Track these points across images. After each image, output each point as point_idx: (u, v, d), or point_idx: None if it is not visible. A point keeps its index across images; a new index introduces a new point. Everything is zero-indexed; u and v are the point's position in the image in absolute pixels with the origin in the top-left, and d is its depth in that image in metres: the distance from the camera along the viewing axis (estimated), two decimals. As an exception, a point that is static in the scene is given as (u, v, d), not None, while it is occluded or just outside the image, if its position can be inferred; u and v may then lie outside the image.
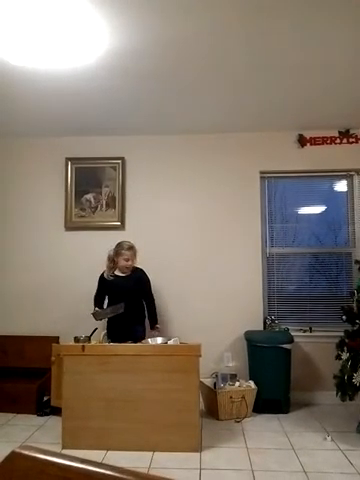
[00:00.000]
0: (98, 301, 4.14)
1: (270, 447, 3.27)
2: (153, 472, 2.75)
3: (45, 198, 4.79)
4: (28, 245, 4.76)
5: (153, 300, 4.15)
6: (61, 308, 4.62)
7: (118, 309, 3.82)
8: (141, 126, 4.51)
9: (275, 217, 4.69)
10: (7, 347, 4.53)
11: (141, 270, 4.14)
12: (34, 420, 3.86)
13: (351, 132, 4.54)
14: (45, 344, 4.19)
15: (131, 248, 4.03)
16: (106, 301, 4.17)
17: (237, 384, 4.00)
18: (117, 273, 4.09)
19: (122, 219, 4.67)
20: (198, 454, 3.11)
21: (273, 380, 4.01)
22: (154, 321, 4.09)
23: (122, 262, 4.02)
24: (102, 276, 4.15)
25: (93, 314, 3.87)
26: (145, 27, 2.77)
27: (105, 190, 4.70)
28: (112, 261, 4.08)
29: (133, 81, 3.52)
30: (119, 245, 4.06)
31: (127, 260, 4.00)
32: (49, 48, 2.97)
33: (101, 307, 4.10)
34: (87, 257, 4.67)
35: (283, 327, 4.41)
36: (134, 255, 4.04)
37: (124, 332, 3.81)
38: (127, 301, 3.90)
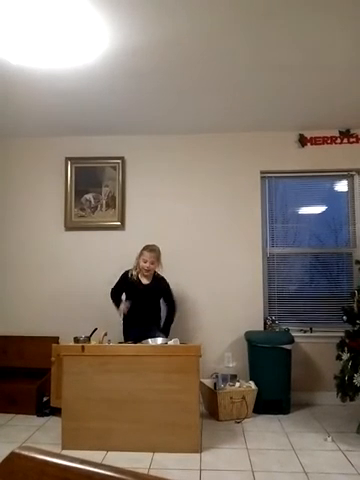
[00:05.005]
0: (116, 295, 4.05)
1: (270, 448, 3.26)
2: (153, 473, 2.74)
3: (45, 198, 4.79)
4: (28, 245, 4.75)
5: (173, 304, 4.09)
6: (61, 308, 4.62)
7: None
8: (141, 126, 4.51)
9: (276, 217, 4.68)
10: (7, 347, 4.52)
11: (163, 280, 4.05)
12: (34, 420, 3.85)
13: (351, 132, 4.53)
14: (45, 344, 4.18)
15: (153, 250, 3.91)
16: (123, 297, 4.09)
17: (237, 384, 3.99)
18: (141, 279, 3.98)
19: (122, 219, 4.66)
20: (198, 455, 3.10)
21: (273, 380, 4.00)
22: (165, 331, 3.95)
23: (141, 263, 3.91)
24: (126, 273, 4.04)
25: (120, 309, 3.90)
26: (145, 27, 2.76)
27: (105, 190, 4.70)
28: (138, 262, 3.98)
29: (133, 81, 3.52)
30: (144, 247, 3.96)
31: (145, 261, 3.89)
32: (49, 48, 2.96)
33: (118, 302, 4.02)
34: (87, 257, 4.67)
35: (283, 327, 4.40)
36: (156, 259, 3.92)
37: (142, 336, 3.69)
38: (142, 308, 3.91)
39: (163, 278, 4.06)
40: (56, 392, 3.69)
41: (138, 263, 3.96)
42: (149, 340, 3.63)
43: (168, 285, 4.07)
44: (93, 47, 2.99)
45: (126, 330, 3.99)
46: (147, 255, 3.90)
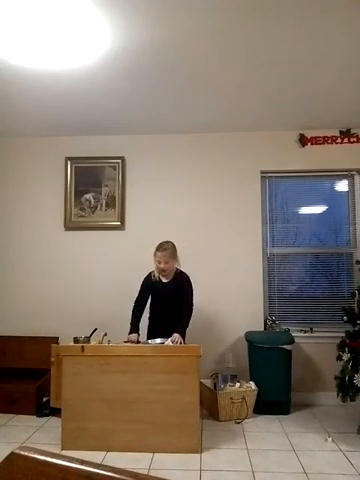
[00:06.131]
0: (139, 306, 3.85)
1: (271, 448, 3.25)
2: (153, 473, 2.73)
3: (45, 198, 4.78)
4: (27, 245, 4.74)
5: (189, 307, 3.75)
6: (60, 308, 4.61)
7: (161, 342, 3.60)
8: (141, 125, 4.51)
9: (276, 217, 4.68)
10: (6, 348, 4.52)
11: (184, 275, 3.82)
12: (33, 421, 3.84)
13: (352, 132, 4.53)
14: (44, 345, 4.18)
15: (164, 249, 3.69)
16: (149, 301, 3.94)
17: (237, 385, 3.99)
18: (161, 278, 3.82)
19: (122, 219, 4.66)
20: (198, 455, 3.10)
21: (274, 381, 3.99)
22: (180, 328, 3.63)
23: (156, 265, 3.73)
24: (148, 275, 3.88)
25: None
26: (145, 27, 2.75)
27: (105, 190, 4.69)
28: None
29: (133, 80, 3.51)
30: (156, 246, 3.76)
31: (159, 262, 3.70)
32: (49, 48, 2.95)
33: (142, 311, 3.84)
34: (87, 257, 4.66)
35: (284, 328, 4.40)
36: (170, 256, 3.70)
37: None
38: (166, 308, 3.76)
39: (183, 274, 3.83)
40: (56, 392, 3.68)
41: (155, 265, 3.79)
42: (148, 340, 3.62)
43: (188, 282, 3.81)
44: (93, 47, 2.98)
45: (148, 334, 3.83)
46: (159, 255, 3.70)
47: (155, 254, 3.75)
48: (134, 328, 3.73)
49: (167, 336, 3.59)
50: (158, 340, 3.61)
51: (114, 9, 2.56)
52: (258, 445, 3.31)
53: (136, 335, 3.68)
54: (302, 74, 3.41)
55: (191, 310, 3.77)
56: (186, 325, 3.73)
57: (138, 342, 3.63)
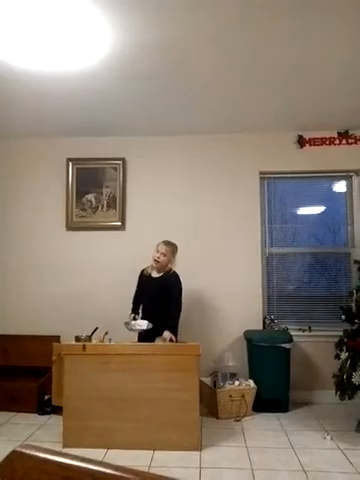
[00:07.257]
0: (135, 302, 4.03)
1: (270, 446, 3.28)
2: (153, 471, 2.77)
3: (46, 198, 4.80)
4: (29, 244, 4.77)
5: (176, 308, 3.77)
6: (62, 307, 4.63)
7: (142, 327, 3.73)
8: (142, 127, 4.52)
9: (275, 217, 4.70)
10: (8, 346, 4.55)
11: (174, 274, 3.86)
12: (35, 419, 3.87)
13: (350, 133, 4.54)
14: (46, 343, 4.19)
15: (167, 244, 3.89)
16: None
17: (237, 383, 4.01)
18: (152, 273, 3.95)
19: (123, 219, 4.68)
20: (198, 453, 3.13)
21: (273, 379, 4.02)
22: (170, 325, 3.67)
23: (154, 253, 3.87)
24: (142, 270, 4.03)
25: (124, 323, 3.80)
26: (146, 28, 2.77)
27: (106, 190, 4.72)
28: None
29: (134, 82, 3.53)
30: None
31: (157, 252, 3.84)
32: (50, 49, 2.96)
33: (137, 308, 3.98)
34: (88, 256, 4.69)
35: (282, 327, 4.42)
36: (169, 251, 3.85)
37: (152, 339, 3.66)
38: (149, 303, 3.86)
39: (174, 274, 3.87)
40: (57, 391, 3.70)
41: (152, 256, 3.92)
42: (132, 322, 3.80)
43: (177, 282, 3.84)
44: (95, 49, 2.99)
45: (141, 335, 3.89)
46: (160, 246, 3.87)
47: (158, 244, 3.90)
48: (132, 311, 3.98)
49: (152, 332, 3.66)
50: (139, 322, 3.73)
51: (115, 11, 2.57)
52: (257, 443, 3.34)
53: (132, 315, 3.91)
54: (301, 75, 3.41)
55: (179, 306, 3.82)
56: (176, 321, 3.77)
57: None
